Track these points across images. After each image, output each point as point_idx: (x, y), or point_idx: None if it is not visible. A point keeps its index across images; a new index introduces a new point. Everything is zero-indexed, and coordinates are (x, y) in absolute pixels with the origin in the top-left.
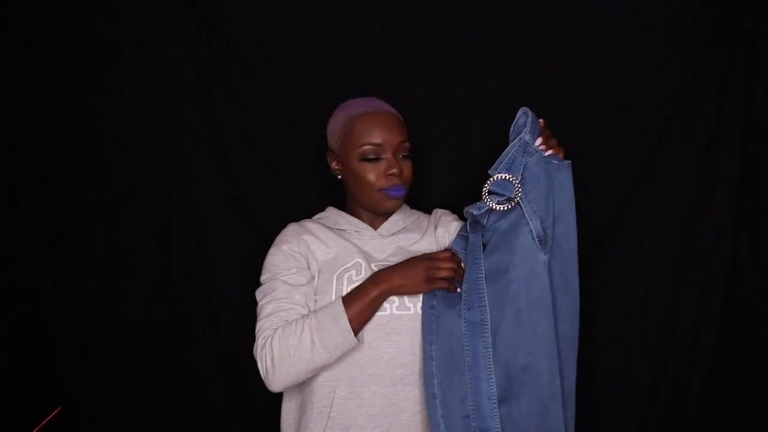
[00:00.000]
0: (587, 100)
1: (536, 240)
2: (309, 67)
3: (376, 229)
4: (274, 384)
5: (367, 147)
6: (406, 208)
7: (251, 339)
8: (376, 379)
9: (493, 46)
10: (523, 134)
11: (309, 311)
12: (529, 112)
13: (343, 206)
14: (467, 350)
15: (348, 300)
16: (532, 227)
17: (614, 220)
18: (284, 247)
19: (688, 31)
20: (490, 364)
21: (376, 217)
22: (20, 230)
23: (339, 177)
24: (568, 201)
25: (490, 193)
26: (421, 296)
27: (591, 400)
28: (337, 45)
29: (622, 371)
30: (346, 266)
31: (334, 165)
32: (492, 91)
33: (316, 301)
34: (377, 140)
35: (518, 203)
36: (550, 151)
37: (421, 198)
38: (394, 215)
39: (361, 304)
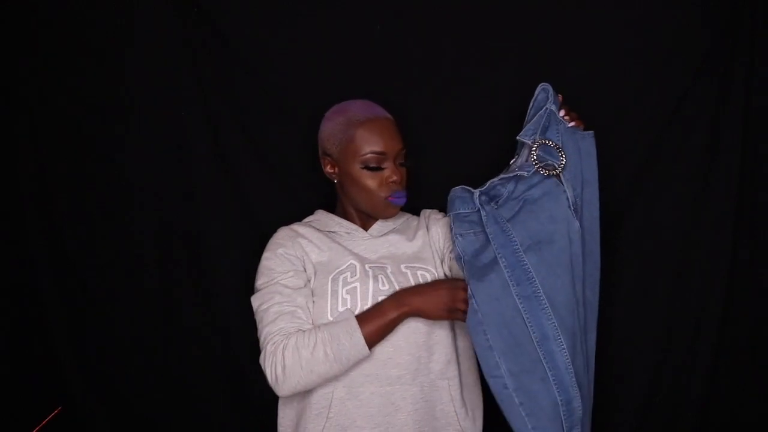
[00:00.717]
0: (587, 100)
1: (572, 207)
2: (309, 67)
3: (366, 231)
4: (283, 391)
5: (371, 155)
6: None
7: (251, 339)
8: (374, 380)
9: (493, 46)
10: (548, 105)
11: (309, 312)
12: (549, 88)
13: (332, 208)
14: (531, 326)
15: (365, 317)
16: (569, 195)
17: (614, 220)
18: (280, 250)
19: (688, 31)
20: (559, 335)
21: (366, 219)
22: (20, 230)
23: (335, 181)
24: (593, 170)
25: (537, 158)
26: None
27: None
28: (337, 45)
29: (622, 371)
30: (341, 269)
31: (328, 169)
32: (492, 91)
33: (313, 302)
34: (380, 148)
35: (555, 174)
36: (572, 123)
37: (421, 198)
38: None
39: (379, 324)
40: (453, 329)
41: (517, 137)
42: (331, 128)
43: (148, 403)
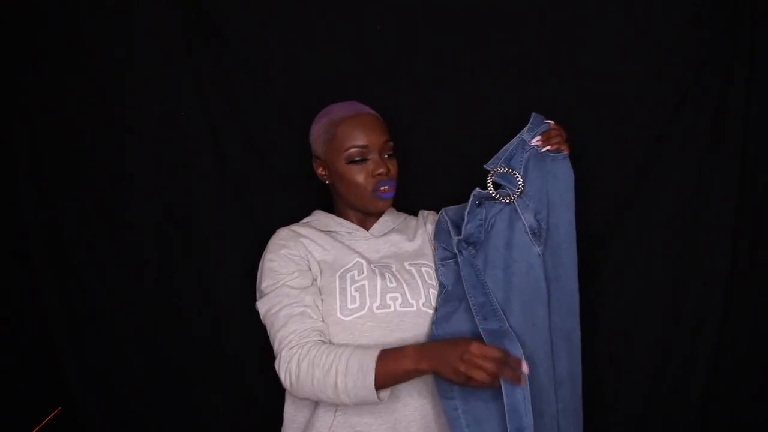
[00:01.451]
0: (587, 100)
1: (529, 233)
2: (309, 67)
3: (367, 230)
4: (298, 395)
5: (353, 149)
6: (392, 209)
7: (251, 339)
8: None
9: (492, 46)
10: (522, 133)
11: (319, 311)
12: (539, 118)
13: (330, 211)
14: None
15: (384, 359)
16: (524, 221)
17: (614, 220)
18: (283, 251)
19: (688, 31)
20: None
21: (365, 218)
22: (20, 230)
23: (326, 182)
24: (562, 193)
25: (494, 184)
26: (422, 294)
27: (591, 400)
28: (337, 45)
29: (622, 371)
30: (347, 267)
31: (320, 171)
32: (491, 91)
33: (321, 300)
34: (362, 142)
35: (511, 201)
36: (547, 148)
37: (420, 197)
38: (383, 216)
39: (393, 369)
40: None
41: (485, 165)
42: (316, 131)
43: (148, 402)
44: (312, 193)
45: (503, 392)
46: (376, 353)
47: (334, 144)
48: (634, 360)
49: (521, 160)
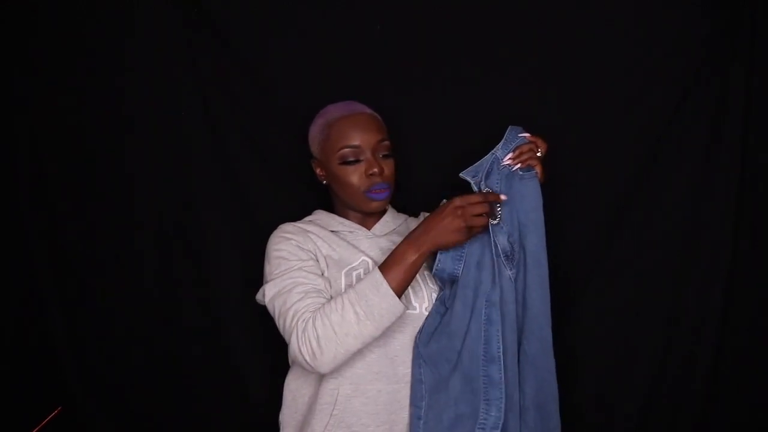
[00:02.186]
0: (587, 100)
1: (502, 255)
2: (309, 67)
3: (369, 230)
4: (324, 365)
5: (346, 150)
6: (393, 210)
7: (251, 339)
8: (382, 377)
9: (492, 46)
10: (495, 150)
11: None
12: (514, 132)
13: (330, 209)
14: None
15: (387, 267)
16: (497, 242)
17: (614, 220)
18: (292, 241)
19: (688, 31)
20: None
21: (365, 218)
22: (20, 230)
23: (324, 183)
24: (530, 213)
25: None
26: (425, 297)
27: (591, 400)
28: (336, 45)
29: (622, 371)
30: (353, 265)
31: (318, 171)
32: (491, 91)
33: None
34: (354, 142)
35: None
36: (518, 166)
37: (420, 198)
38: (385, 216)
39: (402, 270)
40: None
41: (460, 174)
42: (313, 132)
43: (147, 403)
44: (312, 193)
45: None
46: (376, 269)
47: (328, 145)
48: (634, 360)
49: (498, 181)
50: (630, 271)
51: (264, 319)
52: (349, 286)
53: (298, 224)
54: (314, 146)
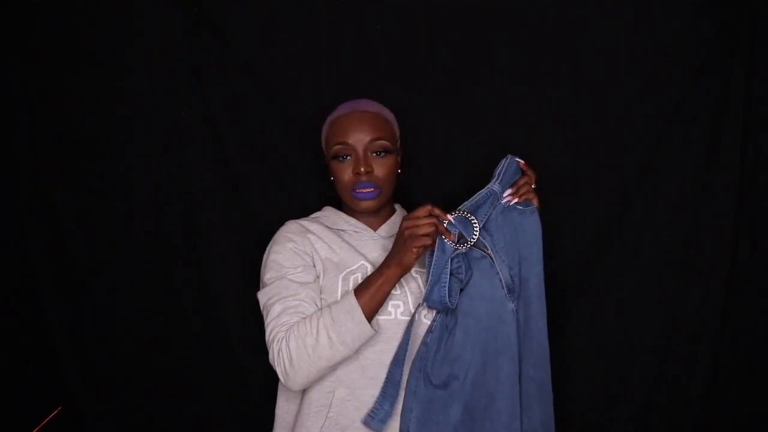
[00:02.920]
0: (587, 100)
1: (505, 289)
2: (309, 67)
3: (375, 231)
4: (296, 384)
5: (337, 147)
6: (401, 211)
7: (251, 339)
8: (377, 383)
9: (492, 46)
10: (492, 184)
11: (316, 307)
12: (509, 162)
13: (339, 206)
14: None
15: (359, 294)
16: (501, 277)
17: (615, 220)
18: (289, 245)
19: (688, 31)
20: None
21: (372, 218)
22: (20, 230)
23: (332, 179)
24: (531, 246)
25: (449, 223)
26: (425, 304)
27: (591, 400)
28: (337, 45)
29: (622, 371)
30: (351, 269)
31: (329, 169)
32: (491, 91)
33: (322, 300)
34: (346, 139)
35: (488, 254)
36: (515, 200)
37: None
38: (393, 217)
39: (374, 297)
40: None
41: (459, 209)
42: (322, 129)
43: (147, 402)
44: (312, 193)
45: (435, 249)
46: (351, 294)
47: (327, 141)
48: (634, 360)
49: (486, 212)
50: (630, 271)
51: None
52: (346, 291)
53: (303, 222)
54: (322, 144)
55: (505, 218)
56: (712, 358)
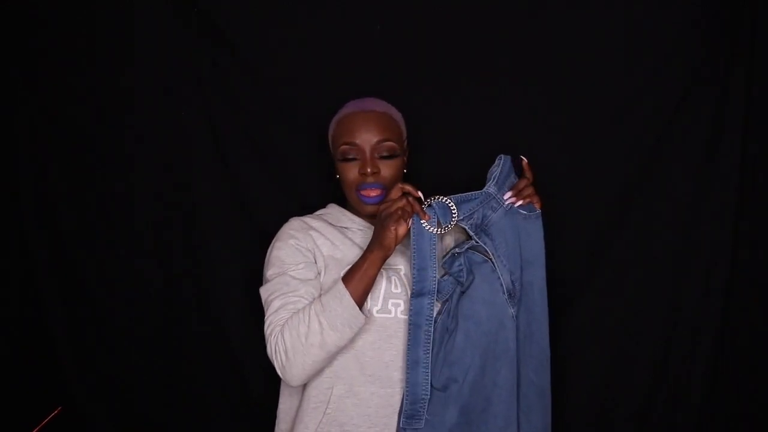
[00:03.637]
0: (587, 100)
1: (506, 294)
2: (309, 67)
3: None
4: (293, 377)
5: (344, 147)
6: None
7: (251, 338)
8: (375, 380)
9: (492, 46)
10: (488, 186)
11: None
12: (503, 162)
13: (344, 204)
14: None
15: (347, 279)
16: (503, 281)
17: (615, 220)
18: (291, 241)
19: (688, 31)
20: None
21: (371, 217)
22: (20, 230)
23: (338, 177)
24: (535, 251)
25: (428, 206)
26: (409, 291)
27: (591, 400)
28: (337, 45)
29: (622, 371)
30: None
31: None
32: (491, 90)
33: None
34: (353, 139)
35: (489, 259)
36: (520, 202)
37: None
38: None
39: (361, 282)
40: None
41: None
42: (330, 125)
43: (147, 403)
44: (312, 193)
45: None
46: (339, 280)
47: (334, 139)
48: (634, 360)
49: (471, 210)
50: (630, 271)
51: (264, 317)
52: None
53: (306, 219)
54: (329, 140)
55: (507, 222)
56: (712, 357)
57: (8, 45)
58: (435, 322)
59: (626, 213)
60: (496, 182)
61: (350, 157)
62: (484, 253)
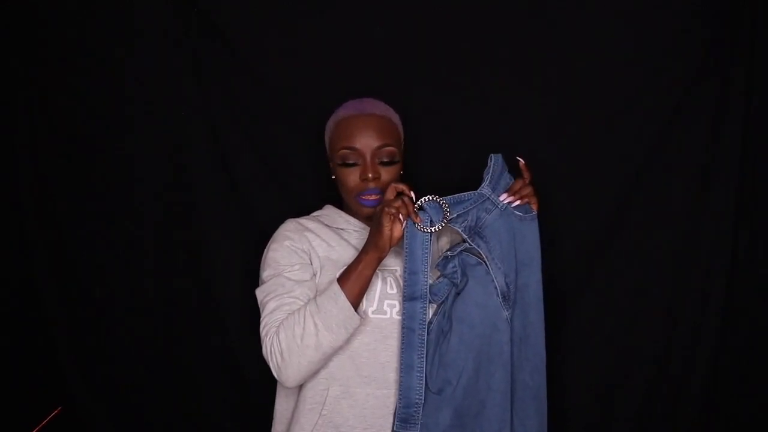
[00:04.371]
0: (587, 100)
1: (500, 296)
2: (309, 67)
3: None
4: (288, 378)
5: (345, 151)
6: None
7: (251, 338)
8: (371, 382)
9: (492, 46)
10: (481, 187)
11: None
12: (494, 161)
13: (340, 205)
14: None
15: (342, 280)
16: (496, 284)
17: (614, 220)
18: (286, 243)
19: (688, 31)
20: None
21: (367, 218)
22: (20, 230)
23: (333, 177)
24: (530, 253)
25: (420, 208)
26: (402, 295)
27: (591, 400)
28: (337, 45)
29: (622, 371)
30: None
31: (331, 165)
32: (491, 91)
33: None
34: (354, 144)
35: (483, 261)
36: (516, 203)
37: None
38: None
39: (356, 282)
40: None
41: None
42: (327, 125)
43: (148, 403)
44: (312, 193)
45: (405, 234)
46: (334, 281)
47: (332, 143)
48: (633, 360)
49: (465, 209)
50: (630, 271)
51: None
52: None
53: (301, 221)
54: (326, 142)
55: (502, 224)
56: (712, 358)
57: (8, 45)
58: (430, 324)
59: (626, 213)
60: (490, 182)
61: (350, 162)
62: (478, 255)
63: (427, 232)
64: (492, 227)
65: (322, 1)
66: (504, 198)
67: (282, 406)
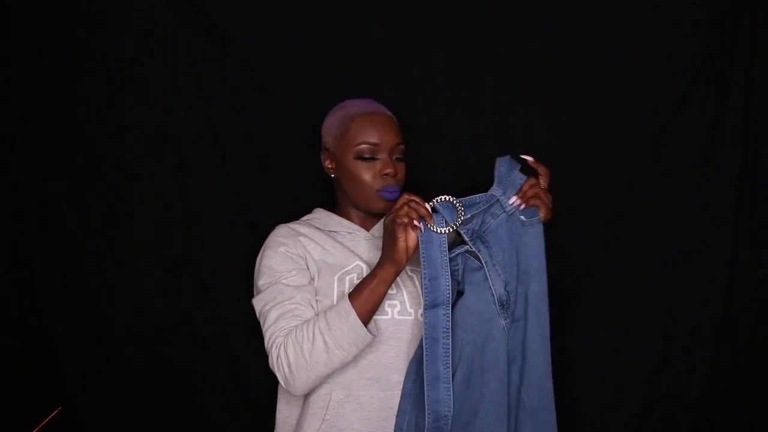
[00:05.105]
0: (587, 100)
1: (497, 304)
2: (309, 67)
3: (368, 231)
4: (297, 389)
5: (364, 146)
6: None
7: (251, 339)
8: (375, 383)
9: (492, 46)
10: (492, 189)
11: (313, 309)
12: (501, 164)
13: (331, 207)
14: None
15: (353, 297)
16: (494, 291)
17: (614, 220)
18: (281, 249)
19: (688, 31)
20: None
21: (366, 218)
22: (20, 230)
23: (332, 176)
24: (534, 262)
25: (432, 209)
26: (422, 303)
27: (591, 400)
28: (337, 45)
29: (622, 371)
30: (347, 269)
31: (327, 164)
32: (491, 91)
33: (318, 302)
34: (374, 139)
35: (482, 266)
36: (522, 206)
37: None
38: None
39: (369, 300)
40: None
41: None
42: (330, 122)
43: (148, 402)
44: (312, 193)
45: (420, 238)
46: (345, 298)
47: (346, 138)
48: (634, 359)
49: (479, 209)
50: (629, 271)
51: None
52: (342, 292)
53: (293, 226)
54: (329, 137)
55: (506, 230)
56: (712, 357)
57: (8, 45)
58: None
59: (626, 213)
60: (499, 183)
61: (368, 156)
62: (478, 259)
63: (443, 233)
64: (496, 233)
65: (322, 2)
66: (512, 201)
67: (283, 413)
